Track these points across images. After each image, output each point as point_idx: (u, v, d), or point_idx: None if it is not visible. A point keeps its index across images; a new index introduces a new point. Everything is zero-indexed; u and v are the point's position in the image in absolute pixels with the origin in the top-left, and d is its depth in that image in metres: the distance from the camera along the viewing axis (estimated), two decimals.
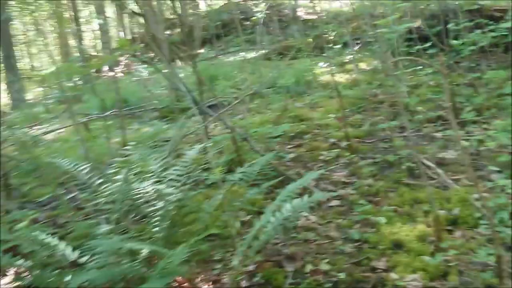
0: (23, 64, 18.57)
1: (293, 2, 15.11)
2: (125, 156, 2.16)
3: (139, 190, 1.97)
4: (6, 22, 11.28)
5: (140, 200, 1.99)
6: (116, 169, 2.05)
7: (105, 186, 2.08)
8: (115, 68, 16.05)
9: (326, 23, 10.14)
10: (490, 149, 3.46)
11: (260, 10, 8.20)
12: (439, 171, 3.24)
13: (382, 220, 2.75)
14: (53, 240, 1.92)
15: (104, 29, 19.23)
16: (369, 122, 4.60)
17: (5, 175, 3.72)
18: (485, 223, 2.51)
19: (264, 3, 10.86)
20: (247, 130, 3.77)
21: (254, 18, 8.31)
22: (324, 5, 16.72)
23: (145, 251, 1.75)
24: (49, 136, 6.12)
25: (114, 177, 2.02)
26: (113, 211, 1.97)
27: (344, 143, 4.15)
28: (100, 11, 22.74)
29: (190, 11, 16.71)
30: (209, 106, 5.92)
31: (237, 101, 5.58)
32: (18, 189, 4.15)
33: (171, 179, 2.03)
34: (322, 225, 2.91)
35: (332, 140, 4.32)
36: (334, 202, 3.19)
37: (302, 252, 2.59)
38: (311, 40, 8.63)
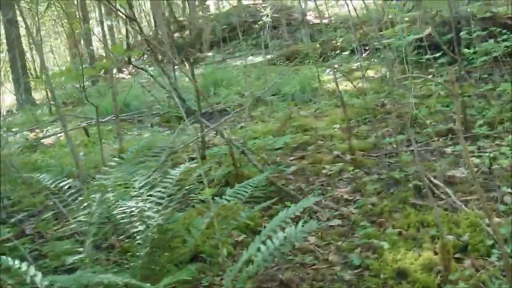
0: (32, 64, 18.52)
1: (302, 6, 14.94)
2: (109, 171, 1.99)
3: (118, 211, 1.80)
4: (12, 22, 11.21)
5: (120, 222, 1.82)
6: (96, 188, 1.88)
7: (84, 205, 1.91)
8: (124, 70, 15.97)
9: (334, 29, 9.96)
10: (504, 168, 3.25)
11: (266, 14, 7.98)
12: (448, 191, 3.03)
13: (386, 245, 2.56)
14: (22, 265, 1.74)
15: (112, 31, 19.20)
16: (375, 134, 4.39)
17: None
18: (497, 252, 2.32)
19: (270, 7, 10.68)
20: (246, 141, 3.59)
21: (260, 22, 8.10)
22: (334, 10, 16.54)
23: (119, 284, 1.58)
24: (48, 140, 5.99)
25: (92, 196, 1.86)
26: (90, 234, 1.81)
27: (348, 156, 3.96)
28: (110, 12, 22.77)
29: (200, 13, 16.62)
30: (211, 113, 5.79)
31: (240, 108, 5.42)
32: (8, 197, 4.01)
33: (152, 201, 1.86)
34: (321, 247, 2.73)
35: (336, 152, 4.13)
36: (335, 222, 3.00)
37: (298, 278, 2.40)
38: (318, 45, 8.44)
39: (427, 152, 3.89)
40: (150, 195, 1.87)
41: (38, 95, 13.66)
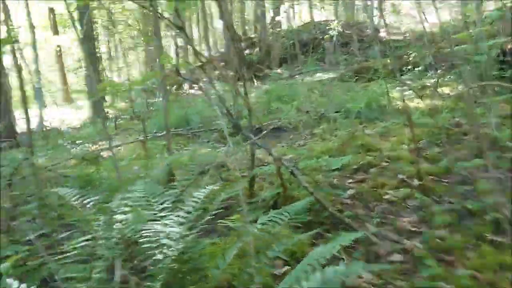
0: (108, 79, 19.37)
1: (375, 22, 14.46)
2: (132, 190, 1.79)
3: (132, 236, 1.58)
4: (90, 39, 11.71)
5: (135, 250, 1.60)
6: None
7: (102, 227, 1.72)
8: (194, 86, 16.23)
9: (407, 44, 9.44)
10: None
11: (333, 27, 7.66)
12: None
13: None
14: None
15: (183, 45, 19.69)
16: (448, 157, 3.92)
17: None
18: None
19: (336, 22, 10.34)
20: (297, 161, 3.29)
21: (326, 36, 7.80)
22: (410, 25, 15.87)
23: None
24: (108, 153, 6.02)
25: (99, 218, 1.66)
26: (103, 259, 1.60)
27: (415, 181, 3.54)
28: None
29: (270, 30, 16.62)
30: (272, 129, 5.55)
31: (301, 125, 5.14)
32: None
33: (172, 226, 1.61)
34: (376, 287, 2.35)
35: (401, 176, 3.70)
36: (396, 257, 2.61)
37: None
38: (389, 61, 7.98)
39: (508, 180, 3.37)
40: (169, 219, 1.63)
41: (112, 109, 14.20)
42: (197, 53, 2.88)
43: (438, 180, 3.61)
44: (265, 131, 3.48)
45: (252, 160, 3.38)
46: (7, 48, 12.84)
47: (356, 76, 8.72)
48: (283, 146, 5.05)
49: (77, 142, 6.36)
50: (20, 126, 12.22)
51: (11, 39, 3.55)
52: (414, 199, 3.31)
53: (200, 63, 3.13)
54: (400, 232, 2.90)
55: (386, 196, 3.40)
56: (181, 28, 2.66)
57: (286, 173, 2.97)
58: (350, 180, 3.79)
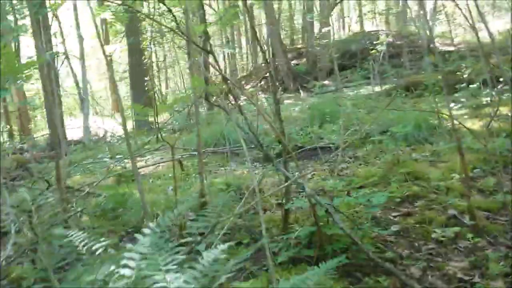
0: (157, 89, 19.67)
1: (428, 32, 13.87)
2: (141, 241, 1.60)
3: None
4: (137, 51, 11.87)
5: None
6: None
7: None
8: (239, 100, 16.21)
9: (462, 57, 8.93)
10: None
11: (381, 41, 7.32)
12: None
13: None
14: None
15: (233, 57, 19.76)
16: (505, 189, 3.53)
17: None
18: None
19: (386, 34, 9.94)
20: (333, 196, 3.03)
21: (373, 51, 7.46)
22: (466, 36, 15.18)
23: None
24: (146, 170, 5.96)
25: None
26: None
27: (467, 218, 3.19)
28: (232, 39, 23.54)
29: (318, 40, 16.33)
30: (314, 149, 5.30)
31: (343, 146, 4.86)
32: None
33: None
34: None
35: (451, 211, 3.36)
36: None
37: None
38: (441, 76, 7.52)
39: None
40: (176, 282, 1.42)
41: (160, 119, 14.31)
42: (225, 80, 2.70)
43: (493, 218, 3.24)
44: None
45: (287, 189, 3.16)
46: (61, 57, 13.25)
47: (406, 91, 8.31)
48: (324, 170, 4.79)
49: (117, 156, 6.33)
50: (69, 134, 12.55)
51: (43, 59, 3.50)
52: (465, 240, 2.97)
53: (226, 85, 2.95)
54: (449, 279, 2.59)
55: (434, 235, 3.07)
56: (209, 52, 2.48)
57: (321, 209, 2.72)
58: (395, 213, 3.48)
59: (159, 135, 7.39)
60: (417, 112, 6.04)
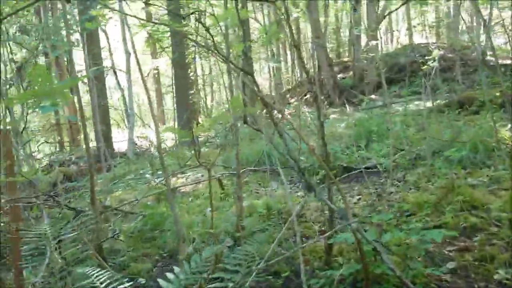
0: (202, 102, 19.81)
1: (482, 44, 13.22)
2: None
3: None
4: (182, 65, 11.93)
5: None
6: None
7: None
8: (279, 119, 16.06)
9: None
10: None
11: (432, 58, 6.93)
12: None
13: None
14: None
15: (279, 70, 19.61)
16: None
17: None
18: None
19: (437, 49, 9.49)
20: (381, 233, 2.74)
21: (425, 67, 7.08)
22: None
23: None
24: (186, 188, 5.84)
25: None
26: None
27: None
28: (277, 53, 23.43)
29: (365, 53, 15.94)
30: (360, 172, 5.01)
31: (392, 169, 4.58)
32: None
33: None
34: None
35: None
36: None
37: None
38: (499, 92, 7.05)
39: None
40: None
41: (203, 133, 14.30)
42: (264, 102, 2.51)
43: None
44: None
45: (331, 218, 2.92)
46: (108, 71, 13.50)
47: (460, 108, 7.84)
48: (370, 194, 4.49)
49: (158, 172, 6.25)
50: (116, 146, 12.73)
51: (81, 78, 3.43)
52: None
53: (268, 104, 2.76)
54: None
55: (497, 276, 2.74)
56: (248, 73, 2.31)
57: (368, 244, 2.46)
58: (450, 248, 3.16)
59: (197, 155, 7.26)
60: (472, 130, 5.64)
